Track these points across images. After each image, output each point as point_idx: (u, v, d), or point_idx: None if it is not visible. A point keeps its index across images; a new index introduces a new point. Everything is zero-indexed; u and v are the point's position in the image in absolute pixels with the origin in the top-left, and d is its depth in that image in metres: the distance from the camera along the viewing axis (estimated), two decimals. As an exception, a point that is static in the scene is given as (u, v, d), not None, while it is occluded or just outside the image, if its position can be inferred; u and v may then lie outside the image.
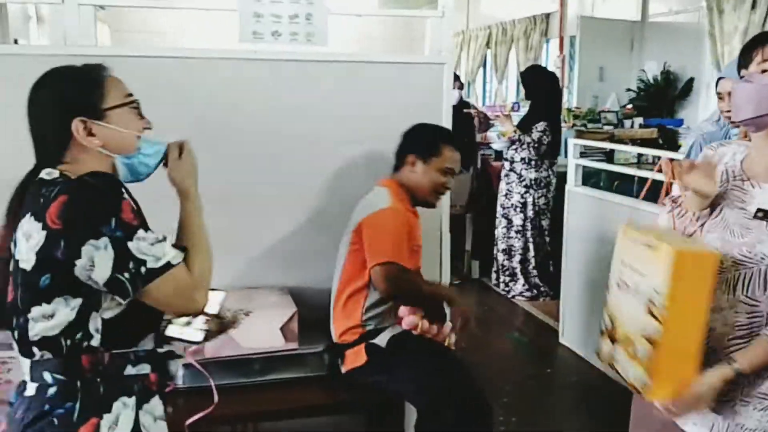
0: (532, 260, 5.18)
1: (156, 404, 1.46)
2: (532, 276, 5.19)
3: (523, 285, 5.17)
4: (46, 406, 1.35)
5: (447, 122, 2.64)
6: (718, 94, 3.02)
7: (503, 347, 4.34)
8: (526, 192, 5.06)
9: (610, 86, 7.69)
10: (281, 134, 2.55)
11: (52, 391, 1.36)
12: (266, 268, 2.66)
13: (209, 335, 1.79)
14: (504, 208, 5.16)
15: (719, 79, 3.05)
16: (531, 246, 5.15)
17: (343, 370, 2.41)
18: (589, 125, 6.76)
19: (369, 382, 2.40)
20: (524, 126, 4.99)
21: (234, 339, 2.29)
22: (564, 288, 4.30)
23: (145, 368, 1.44)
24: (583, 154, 4.57)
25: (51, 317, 1.34)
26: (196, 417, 2.16)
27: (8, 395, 1.48)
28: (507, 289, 5.21)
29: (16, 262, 1.37)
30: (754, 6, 5.94)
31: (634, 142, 6.25)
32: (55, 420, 1.34)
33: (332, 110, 2.57)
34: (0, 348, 2.04)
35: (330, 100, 2.56)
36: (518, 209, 5.10)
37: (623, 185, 4.27)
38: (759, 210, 1.58)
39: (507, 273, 5.22)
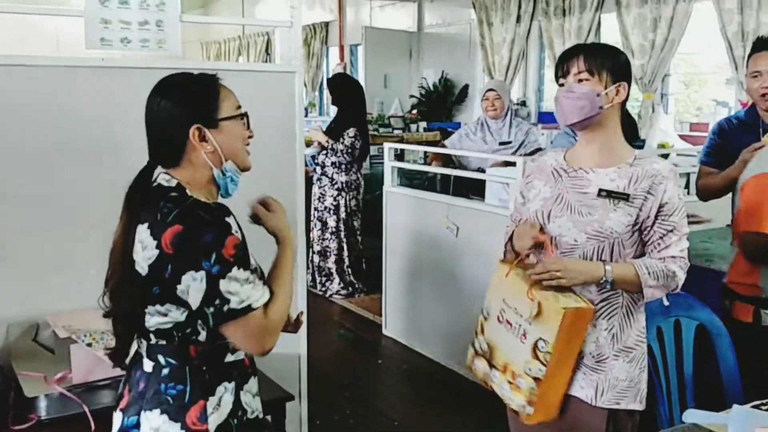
0: (347, 259, 5.38)
1: (253, 383, 1.65)
2: (347, 274, 5.39)
3: (339, 284, 5.35)
4: (162, 386, 1.53)
5: (300, 130, 2.72)
6: None
7: (332, 344, 4.49)
8: (338, 195, 5.25)
9: (393, 93, 8.21)
10: (127, 146, 2.44)
11: (165, 371, 1.53)
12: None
13: None
14: (318, 211, 5.31)
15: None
16: (345, 246, 5.35)
17: (734, 314, 2.38)
18: (381, 130, 7.16)
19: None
20: (335, 132, 5.17)
21: (105, 360, 2.18)
22: (386, 282, 4.54)
23: (240, 354, 1.60)
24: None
25: (165, 315, 1.50)
26: (72, 447, 2.04)
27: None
28: (324, 288, 5.37)
29: (132, 261, 1.48)
30: (518, 20, 6.72)
31: (420, 143, 6.75)
32: (170, 399, 1.52)
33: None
34: None
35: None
36: (332, 211, 5.27)
37: (432, 184, 4.61)
38: (601, 190, 1.89)
39: (323, 273, 5.38)
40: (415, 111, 7.85)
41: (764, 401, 1.47)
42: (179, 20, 2.44)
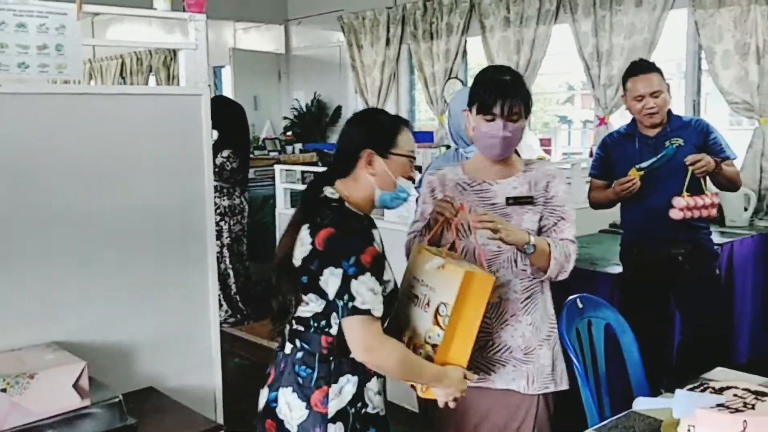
0: (233, 286, 5.27)
1: (375, 382, 1.86)
2: (235, 301, 5.28)
3: (227, 311, 5.23)
4: (295, 367, 1.81)
5: (208, 154, 2.67)
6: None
7: (230, 373, 4.35)
8: (221, 220, 5.14)
9: (264, 114, 8.14)
10: (34, 173, 2.30)
11: (299, 355, 1.82)
12: (18, 326, 2.36)
13: None
14: (201, 238, 5.16)
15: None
16: (231, 272, 5.24)
17: None
18: (256, 152, 7.10)
19: None
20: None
21: (22, 405, 2.02)
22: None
23: None
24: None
25: (307, 304, 1.79)
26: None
27: None
28: (211, 317, 5.21)
29: (291, 256, 1.80)
30: (388, 43, 6.92)
31: (297, 164, 6.75)
32: (300, 380, 1.80)
33: (90, 145, 2.39)
34: None
35: (87, 134, 2.38)
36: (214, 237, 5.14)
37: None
38: (508, 198, 2.09)
39: (210, 302, 5.23)
40: (289, 133, 7.85)
41: (697, 384, 1.65)
42: (80, 44, 2.33)
